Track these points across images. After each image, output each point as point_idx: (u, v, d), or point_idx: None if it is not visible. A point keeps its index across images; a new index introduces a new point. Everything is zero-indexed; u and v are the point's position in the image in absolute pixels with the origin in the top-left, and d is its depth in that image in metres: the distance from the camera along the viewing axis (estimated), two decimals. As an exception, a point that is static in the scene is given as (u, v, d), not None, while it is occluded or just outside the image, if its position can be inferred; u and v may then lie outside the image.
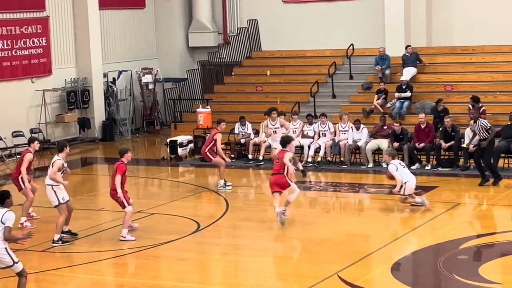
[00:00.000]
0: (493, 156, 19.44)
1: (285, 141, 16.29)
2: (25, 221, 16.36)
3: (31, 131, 25.25)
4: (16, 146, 24.48)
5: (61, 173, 15.24)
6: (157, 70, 29.60)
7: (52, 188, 15.10)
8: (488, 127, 19.18)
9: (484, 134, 19.13)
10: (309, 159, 21.76)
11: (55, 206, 15.24)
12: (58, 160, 15.20)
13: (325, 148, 22.13)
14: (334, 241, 15.11)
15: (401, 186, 16.92)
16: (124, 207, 15.27)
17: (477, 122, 19.28)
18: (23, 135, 24.69)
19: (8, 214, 11.32)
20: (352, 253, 14.14)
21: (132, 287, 13.03)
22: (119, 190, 15.07)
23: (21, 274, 11.48)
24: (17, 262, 11.36)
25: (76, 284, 13.42)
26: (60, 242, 15.15)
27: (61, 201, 15.14)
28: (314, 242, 15.29)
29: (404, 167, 17.37)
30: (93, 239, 15.56)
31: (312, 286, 12.44)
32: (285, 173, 15.79)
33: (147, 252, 14.68)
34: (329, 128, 22.53)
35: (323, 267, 13.51)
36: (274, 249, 14.82)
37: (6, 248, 11.27)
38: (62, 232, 15.29)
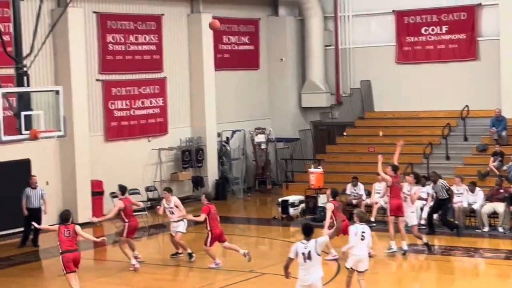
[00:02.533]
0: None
1: None
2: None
3: (147, 188, 25.82)
4: (132, 203, 25.01)
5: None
6: (270, 130, 29.91)
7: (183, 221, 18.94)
8: (447, 188, 20.79)
9: (445, 194, 20.68)
10: (422, 222, 21.40)
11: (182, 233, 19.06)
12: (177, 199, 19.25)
13: (438, 210, 21.76)
14: (447, 306, 14.78)
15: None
16: None
17: (437, 183, 20.81)
18: (139, 193, 25.22)
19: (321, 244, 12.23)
20: (467, 320, 13.79)
21: None
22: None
23: None
24: None
25: None
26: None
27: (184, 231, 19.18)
28: (427, 307, 14.99)
29: (363, 239, 14.73)
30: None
31: None
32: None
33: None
34: (442, 191, 22.16)
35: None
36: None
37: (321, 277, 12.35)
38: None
